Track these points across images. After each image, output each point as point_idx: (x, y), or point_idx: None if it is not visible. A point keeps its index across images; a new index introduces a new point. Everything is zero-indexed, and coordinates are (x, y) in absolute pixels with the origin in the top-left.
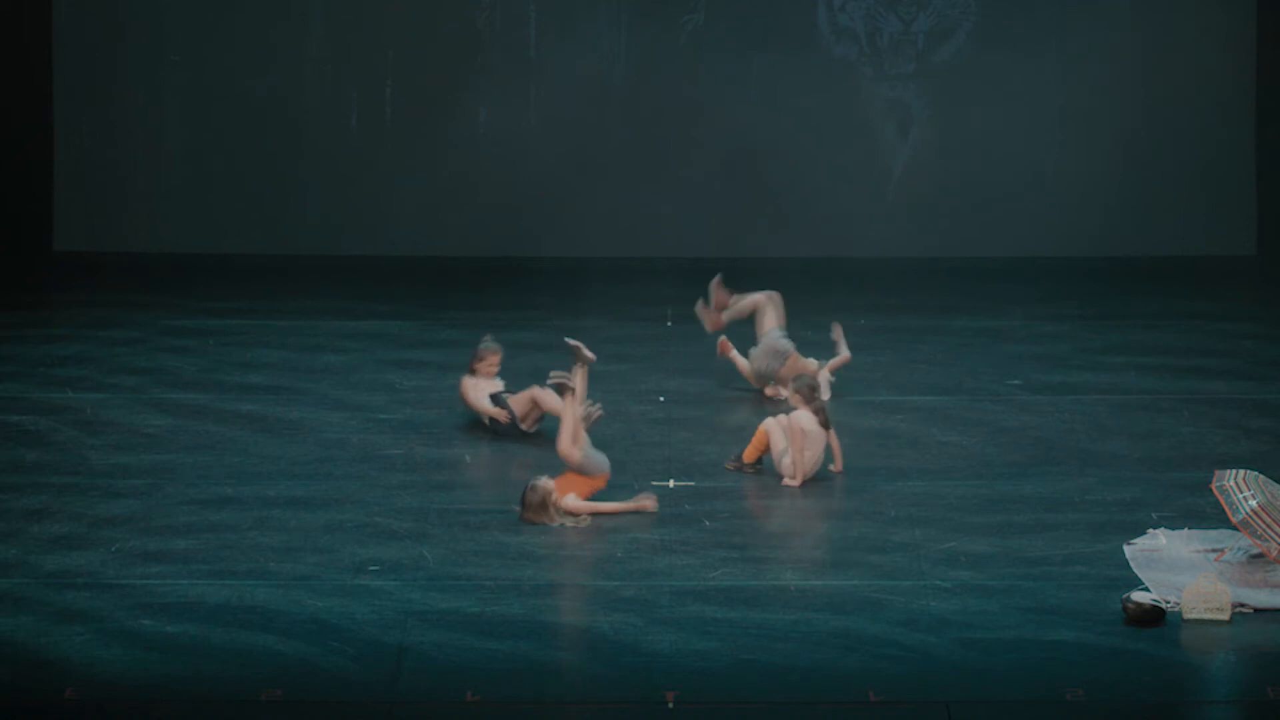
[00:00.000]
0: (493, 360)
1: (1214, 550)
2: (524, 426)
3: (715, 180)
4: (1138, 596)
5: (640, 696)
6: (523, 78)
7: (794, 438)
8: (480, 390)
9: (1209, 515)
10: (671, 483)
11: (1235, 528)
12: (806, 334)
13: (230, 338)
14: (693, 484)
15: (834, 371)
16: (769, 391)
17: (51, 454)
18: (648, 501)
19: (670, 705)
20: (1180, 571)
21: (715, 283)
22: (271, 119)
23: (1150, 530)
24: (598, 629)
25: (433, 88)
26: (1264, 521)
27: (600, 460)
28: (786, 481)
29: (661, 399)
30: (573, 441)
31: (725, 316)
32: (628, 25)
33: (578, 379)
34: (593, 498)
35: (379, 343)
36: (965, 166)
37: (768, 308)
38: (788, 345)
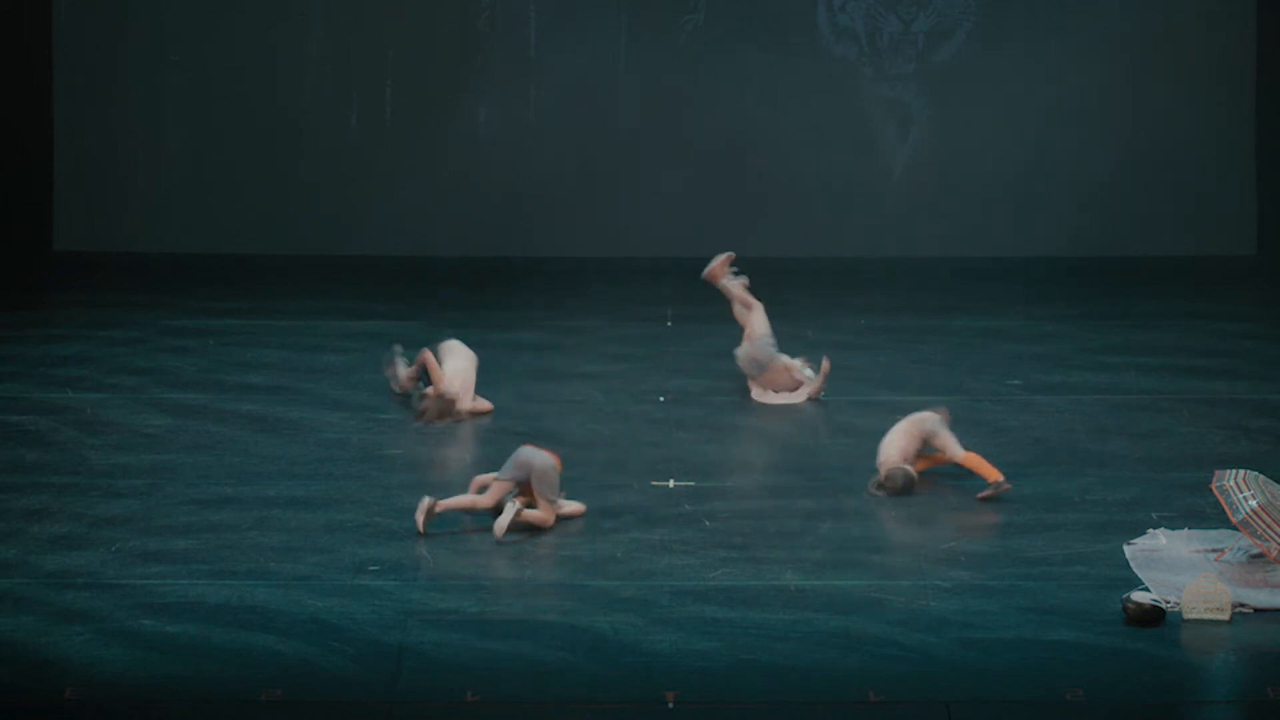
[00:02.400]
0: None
1: (1214, 550)
2: (396, 387)
3: (715, 180)
4: (1138, 596)
5: (640, 696)
6: (523, 78)
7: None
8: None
9: (1209, 515)
10: (671, 483)
11: (1235, 528)
12: (807, 333)
13: (230, 338)
14: (693, 484)
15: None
16: (755, 394)
17: (51, 454)
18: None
19: (670, 705)
20: (1180, 571)
21: (724, 259)
22: (271, 119)
23: (1150, 530)
24: (598, 629)
25: (433, 88)
26: (1264, 521)
27: (574, 504)
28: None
29: (661, 399)
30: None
31: (726, 283)
32: (628, 25)
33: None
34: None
35: (379, 343)
36: (965, 166)
37: (760, 314)
38: (769, 354)
